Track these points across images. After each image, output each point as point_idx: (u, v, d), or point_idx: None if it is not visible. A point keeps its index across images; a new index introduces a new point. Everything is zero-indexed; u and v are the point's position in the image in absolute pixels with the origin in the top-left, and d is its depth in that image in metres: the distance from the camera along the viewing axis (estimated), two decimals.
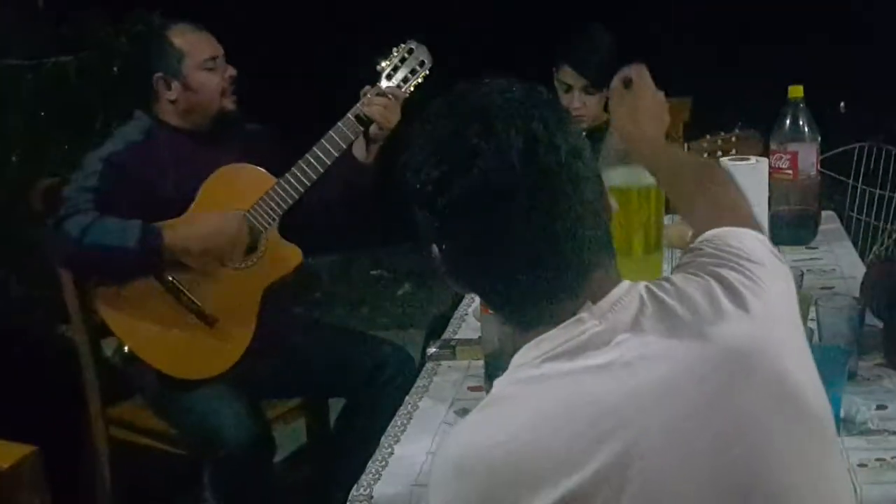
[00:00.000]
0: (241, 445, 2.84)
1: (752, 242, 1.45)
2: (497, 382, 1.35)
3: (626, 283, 1.34)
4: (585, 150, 1.32)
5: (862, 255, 3.26)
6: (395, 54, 3.03)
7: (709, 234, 1.49)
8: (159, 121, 3.06)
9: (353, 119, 2.96)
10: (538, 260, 1.30)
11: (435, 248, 1.36)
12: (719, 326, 1.29)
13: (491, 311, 1.97)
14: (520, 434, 1.26)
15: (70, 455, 3.22)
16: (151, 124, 3.06)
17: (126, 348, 2.99)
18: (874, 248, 4.13)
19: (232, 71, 3.08)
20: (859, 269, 2.79)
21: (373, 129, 2.98)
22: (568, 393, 1.27)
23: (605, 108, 3.74)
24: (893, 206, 4.23)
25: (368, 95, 2.97)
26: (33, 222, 3.15)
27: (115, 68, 3.61)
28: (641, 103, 2.09)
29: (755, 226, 1.59)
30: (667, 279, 1.36)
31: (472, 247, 1.32)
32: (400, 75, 3.01)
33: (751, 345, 1.30)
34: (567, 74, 3.60)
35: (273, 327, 3.04)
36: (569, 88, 3.62)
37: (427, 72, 3.03)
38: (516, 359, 1.35)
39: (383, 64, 3.01)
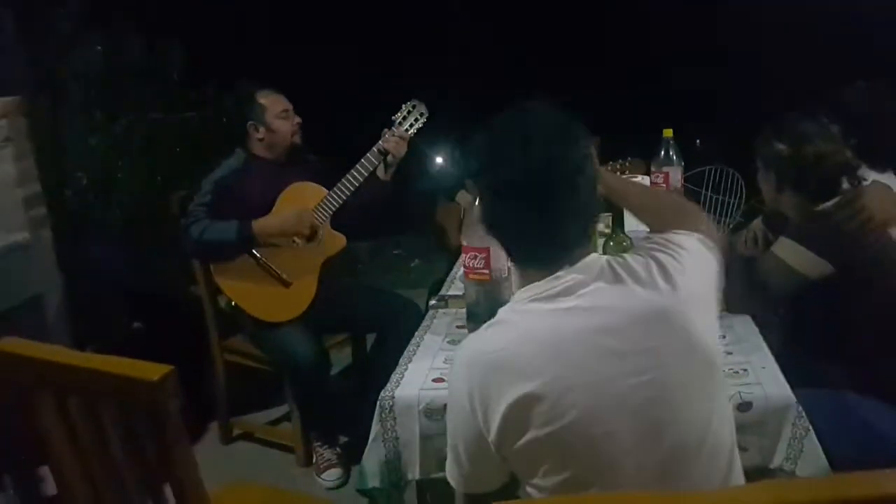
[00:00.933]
0: (309, 363, 2.91)
1: (688, 239, 1.42)
2: (501, 311, 1.39)
3: (594, 255, 1.36)
4: (588, 165, 1.34)
5: None
6: (404, 109, 3.07)
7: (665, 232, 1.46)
8: (251, 154, 3.09)
9: (376, 151, 3.01)
10: (544, 233, 1.32)
11: (480, 211, 1.39)
12: (650, 292, 1.30)
13: (474, 277, 2.03)
14: (507, 346, 1.30)
15: (198, 373, 3.26)
16: (247, 156, 3.09)
17: (233, 302, 3.02)
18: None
19: (298, 119, 3.12)
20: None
21: (389, 158, 3.03)
22: (542, 324, 1.30)
23: None
24: (729, 207, 4.26)
25: (387, 136, 3.01)
26: (171, 220, 3.19)
27: (223, 119, 3.64)
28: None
29: (700, 219, 1.57)
30: (621, 256, 1.36)
31: (504, 214, 1.35)
32: (407, 123, 3.05)
33: (670, 307, 1.30)
34: None
35: (328, 288, 3.07)
36: None
37: (425, 120, 3.08)
38: (516, 296, 1.38)
39: (397, 115, 3.06)
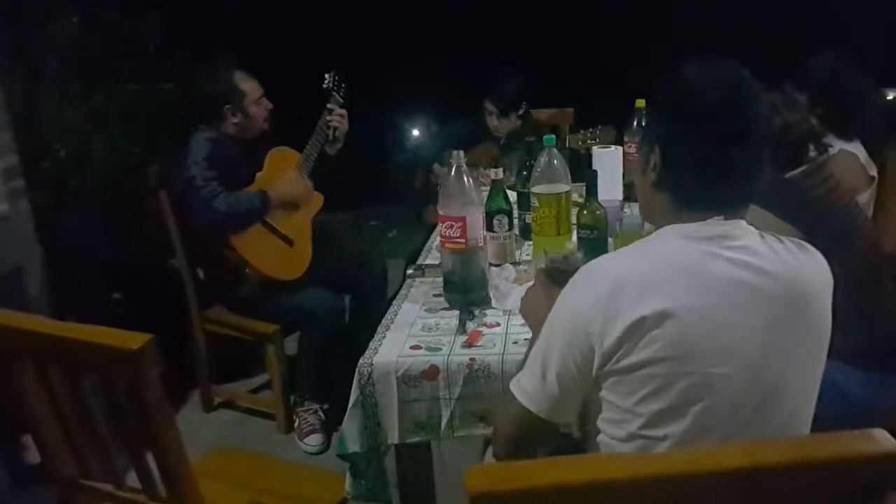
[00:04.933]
0: (335, 313, 3.09)
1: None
2: (644, 239, 1.38)
3: (745, 221, 1.35)
4: (771, 130, 1.37)
5: None
6: (328, 79, 3.20)
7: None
8: (221, 133, 3.13)
9: (322, 127, 3.17)
10: (726, 177, 1.31)
11: (658, 150, 1.35)
12: (790, 266, 1.30)
13: (450, 246, 2.02)
14: (647, 268, 1.28)
15: (179, 342, 3.25)
16: (217, 135, 3.12)
17: (247, 269, 3.06)
18: None
19: (269, 105, 3.20)
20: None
21: (337, 133, 3.19)
22: (686, 255, 1.28)
23: (522, 118, 3.78)
24: None
25: (327, 115, 3.16)
26: (149, 191, 3.16)
27: (200, 95, 3.61)
28: None
29: None
30: (768, 234, 1.36)
31: (694, 152, 1.31)
32: (337, 90, 3.19)
33: (807, 285, 1.31)
34: (488, 104, 3.66)
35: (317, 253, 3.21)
36: (489, 113, 3.68)
37: (346, 87, 3.21)
38: (663, 230, 1.35)
39: (325, 83, 3.20)
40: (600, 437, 1.36)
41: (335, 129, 3.16)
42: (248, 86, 3.13)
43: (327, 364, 3.09)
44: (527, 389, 1.39)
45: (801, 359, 1.31)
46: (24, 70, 3.42)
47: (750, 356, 1.26)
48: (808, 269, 1.33)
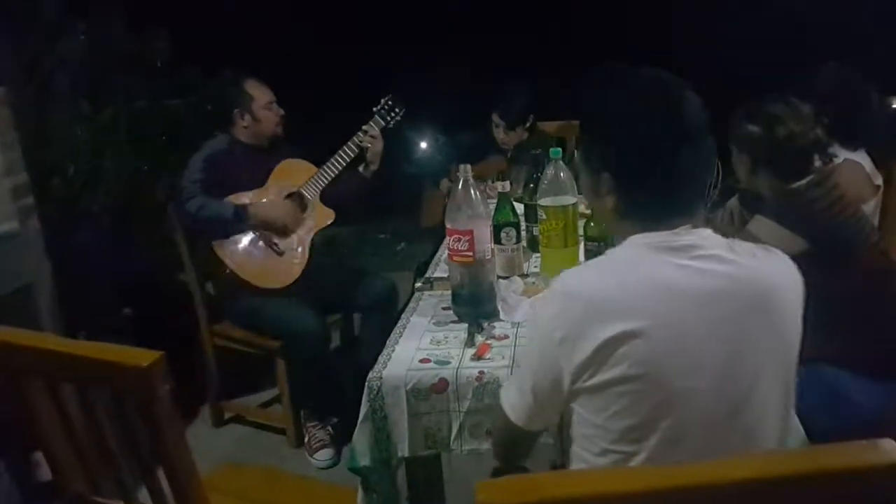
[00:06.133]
0: (312, 333, 2.98)
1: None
2: (614, 250, 1.37)
3: (711, 230, 1.34)
4: (712, 129, 1.34)
5: None
6: (383, 102, 3.19)
7: None
8: (234, 139, 3.15)
9: (352, 145, 3.15)
10: (673, 186, 1.30)
11: (607, 175, 1.34)
12: (758, 273, 1.29)
13: (458, 259, 2.03)
14: (616, 285, 1.26)
15: (188, 358, 3.26)
16: (231, 140, 3.15)
17: (225, 285, 3.08)
18: None
19: (281, 111, 3.20)
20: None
21: (369, 155, 3.18)
22: (656, 269, 1.27)
23: (529, 131, 3.79)
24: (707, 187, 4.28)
25: (362, 136, 3.14)
26: (158, 207, 3.18)
27: (209, 103, 3.64)
28: None
29: None
30: (737, 240, 1.35)
31: (639, 165, 1.31)
32: (387, 117, 3.18)
33: (774, 293, 1.29)
34: (496, 117, 3.67)
35: (320, 267, 3.18)
36: (496, 126, 3.69)
37: (401, 115, 3.20)
38: (632, 239, 1.33)
39: (377, 106, 3.19)
40: (575, 450, 1.37)
41: (366, 149, 3.16)
42: (258, 91, 3.16)
43: (321, 383, 3.09)
44: (508, 399, 1.44)
45: (769, 365, 1.29)
46: (33, 87, 3.45)
47: (718, 369, 1.25)
48: (776, 272, 1.33)
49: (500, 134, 3.74)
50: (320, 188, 3.14)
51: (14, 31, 3.33)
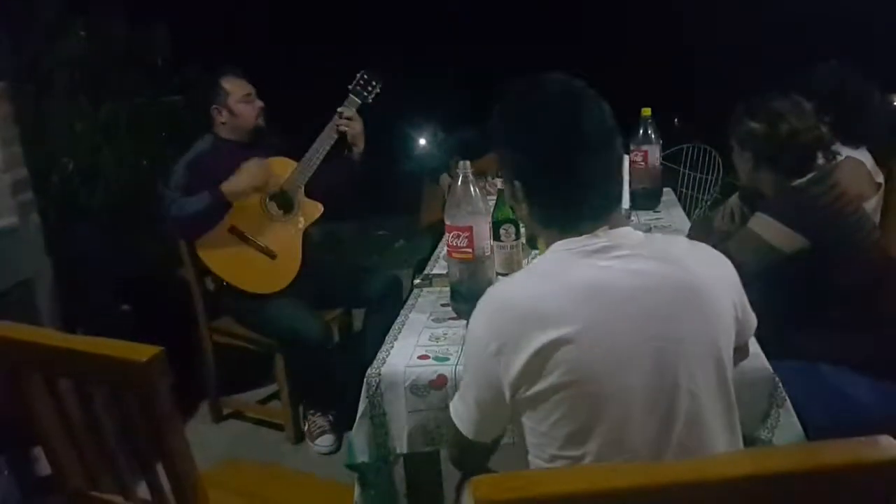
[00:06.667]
0: (314, 334, 2.94)
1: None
2: (538, 259, 1.38)
3: (630, 228, 1.36)
4: (616, 130, 1.36)
5: (688, 216, 3.29)
6: (358, 77, 3.09)
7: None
8: (218, 137, 3.13)
9: (331, 132, 3.07)
10: (583, 191, 1.32)
11: (518, 184, 1.38)
12: (682, 268, 1.31)
13: (457, 256, 2.02)
14: (542, 294, 1.28)
15: (187, 354, 3.26)
16: (214, 139, 3.12)
17: (224, 282, 3.03)
18: (695, 211, 4.18)
19: (260, 103, 3.15)
20: (686, 224, 2.83)
21: (349, 137, 3.10)
22: (579, 274, 1.29)
23: None
24: (706, 184, 4.28)
25: (337, 120, 3.07)
26: (157, 203, 3.18)
27: (194, 104, 3.64)
28: None
29: None
30: (658, 234, 1.36)
31: (542, 173, 1.34)
32: (362, 91, 3.08)
33: (699, 287, 1.31)
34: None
35: (317, 265, 3.14)
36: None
37: (379, 88, 3.09)
38: (554, 246, 1.36)
39: (352, 84, 3.09)
40: (530, 458, 1.38)
41: (344, 133, 3.08)
42: (232, 84, 3.10)
43: (321, 382, 3.09)
44: (456, 411, 1.45)
45: (699, 355, 1.30)
46: (33, 84, 3.45)
47: (647, 365, 1.26)
48: (701, 263, 1.34)
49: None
50: (303, 183, 3.07)
51: (15, 27, 3.32)
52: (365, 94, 3.08)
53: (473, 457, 1.54)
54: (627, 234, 1.34)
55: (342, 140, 3.11)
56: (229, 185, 2.92)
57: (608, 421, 1.26)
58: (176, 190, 2.96)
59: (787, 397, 1.73)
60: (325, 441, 3.08)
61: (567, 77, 1.38)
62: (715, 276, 1.35)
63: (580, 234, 1.33)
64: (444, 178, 3.80)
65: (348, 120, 3.07)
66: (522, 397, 1.30)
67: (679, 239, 1.37)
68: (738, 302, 1.39)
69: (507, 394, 1.31)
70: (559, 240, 1.36)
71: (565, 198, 1.34)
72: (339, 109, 3.08)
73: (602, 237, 1.32)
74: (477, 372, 1.36)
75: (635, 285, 1.28)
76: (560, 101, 1.34)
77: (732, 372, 1.36)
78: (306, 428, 3.16)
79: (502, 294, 1.35)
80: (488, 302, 1.35)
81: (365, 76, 3.09)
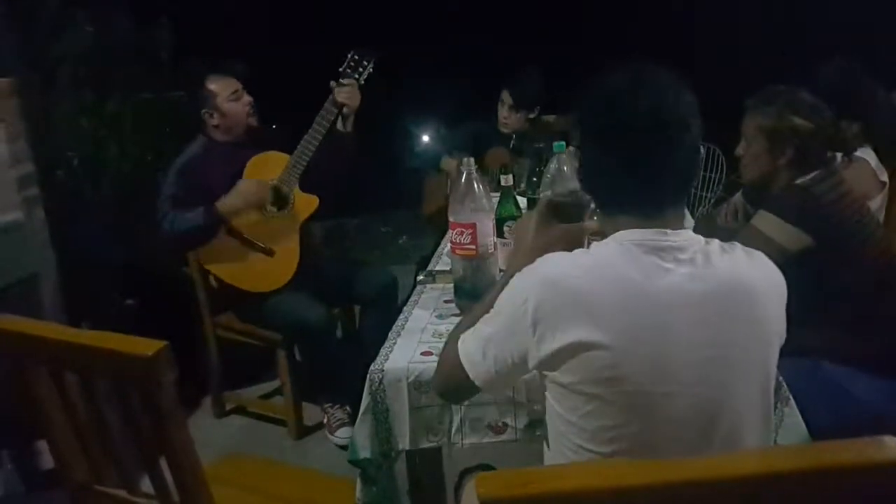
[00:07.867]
0: (319, 324, 2.94)
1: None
2: (605, 246, 1.32)
3: (691, 231, 1.34)
4: (697, 122, 1.32)
5: (692, 214, 3.29)
6: (349, 58, 3.01)
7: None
8: (211, 139, 3.10)
9: (329, 106, 2.98)
10: (649, 179, 1.30)
11: (583, 159, 1.37)
12: (736, 274, 1.29)
13: (460, 252, 2.02)
14: (597, 288, 1.25)
15: (191, 348, 3.27)
16: (206, 141, 3.10)
17: (223, 280, 3.04)
18: (699, 209, 4.18)
19: (249, 98, 3.11)
20: (690, 222, 2.82)
21: (345, 109, 3.00)
22: (637, 271, 1.26)
23: (532, 122, 3.80)
24: (710, 182, 4.28)
25: (336, 88, 2.97)
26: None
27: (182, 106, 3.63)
28: None
29: None
30: (716, 241, 1.33)
31: (613, 159, 1.32)
32: (356, 72, 2.99)
33: (752, 293, 1.29)
34: (505, 94, 3.65)
35: (317, 261, 3.16)
36: (503, 103, 3.68)
37: (372, 66, 3.01)
38: (620, 236, 1.32)
39: (343, 66, 3.00)
40: (550, 446, 1.39)
41: (343, 106, 2.97)
42: (217, 84, 3.06)
43: (333, 371, 3.08)
44: (469, 353, 1.42)
45: (747, 369, 1.29)
46: (39, 79, 3.45)
47: (694, 375, 1.25)
48: (756, 275, 1.33)
49: (503, 111, 3.73)
50: (297, 177, 3.01)
51: (20, 22, 3.32)
52: (356, 75, 2.99)
53: (460, 395, 1.55)
54: (690, 237, 1.32)
55: (331, 133, 3.03)
56: (225, 205, 2.92)
57: (641, 424, 1.25)
58: (166, 200, 2.94)
59: (790, 396, 1.72)
60: (345, 433, 3.07)
61: (654, 68, 1.36)
62: (770, 290, 1.34)
63: (649, 221, 1.31)
64: (447, 161, 3.78)
65: (349, 89, 2.97)
66: (552, 378, 1.29)
67: (735, 246, 1.35)
68: (783, 315, 1.37)
69: (532, 364, 1.30)
70: (628, 228, 1.32)
71: (641, 178, 1.31)
72: (332, 83, 2.98)
73: (670, 236, 1.30)
74: (509, 331, 1.33)
75: (690, 292, 1.26)
76: (640, 82, 1.31)
77: (774, 382, 1.35)
78: (325, 420, 3.18)
79: (564, 271, 1.29)
80: (541, 272, 1.31)
81: (356, 56, 3.01)
